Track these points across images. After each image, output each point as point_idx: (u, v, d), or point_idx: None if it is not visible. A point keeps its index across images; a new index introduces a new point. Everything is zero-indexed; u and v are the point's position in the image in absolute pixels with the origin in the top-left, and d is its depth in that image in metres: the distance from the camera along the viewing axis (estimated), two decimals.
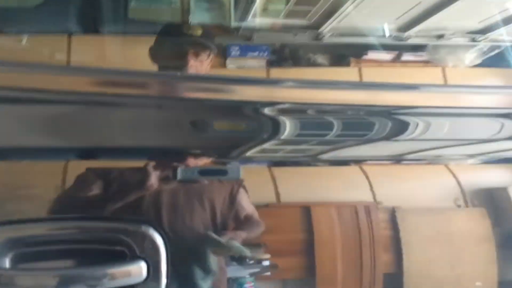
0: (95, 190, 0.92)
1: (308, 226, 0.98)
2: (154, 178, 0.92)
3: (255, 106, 0.96)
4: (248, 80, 1.01)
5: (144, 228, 0.87)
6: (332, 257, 0.99)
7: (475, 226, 1.05)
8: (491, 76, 1.24)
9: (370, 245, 1.00)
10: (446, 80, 1.23)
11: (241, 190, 0.98)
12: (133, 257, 0.85)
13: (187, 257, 0.93)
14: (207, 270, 0.94)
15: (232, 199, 0.98)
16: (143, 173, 0.93)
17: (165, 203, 0.94)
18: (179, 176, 0.92)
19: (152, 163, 0.93)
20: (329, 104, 0.98)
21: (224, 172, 0.96)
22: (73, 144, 0.94)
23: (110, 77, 0.94)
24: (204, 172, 0.94)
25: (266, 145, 0.97)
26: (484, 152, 1.06)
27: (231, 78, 1.03)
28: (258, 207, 0.96)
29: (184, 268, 0.93)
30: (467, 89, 1.08)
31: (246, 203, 0.98)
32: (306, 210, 0.99)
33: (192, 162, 0.95)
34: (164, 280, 0.86)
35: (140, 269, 0.85)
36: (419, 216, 1.04)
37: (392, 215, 1.02)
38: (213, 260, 0.94)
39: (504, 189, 1.06)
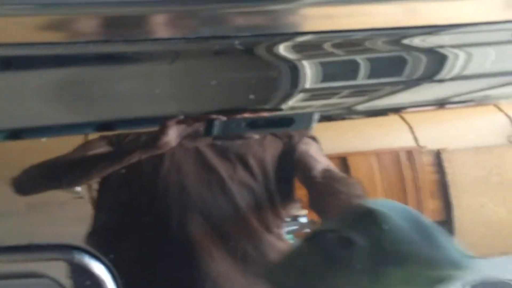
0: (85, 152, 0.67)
1: None
2: (173, 133, 0.65)
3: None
4: None
5: (77, 257, 0.56)
6: None
7: None
8: None
9: (416, 192, 0.92)
10: None
11: (306, 140, 0.73)
12: None
13: None
14: None
15: (291, 149, 0.71)
16: (159, 128, 0.66)
17: (186, 174, 0.67)
18: (215, 130, 0.64)
19: (176, 118, 0.67)
20: (354, 31, 0.77)
21: (288, 122, 0.66)
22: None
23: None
24: (255, 123, 0.65)
25: (291, 102, 0.79)
26: None
27: None
28: None
29: None
30: None
31: (318, 154, 0.72)
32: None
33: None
34: None
35: None
36: (467, 156, 0.94)
37: (438, 157, 0.93)
38: None
39: None
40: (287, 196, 0.72)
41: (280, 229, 0.72)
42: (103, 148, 0.67)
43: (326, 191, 0.74)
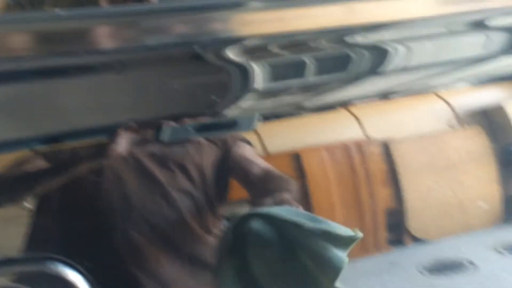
0: (31, 166, 0.65)
1: (300, 173, 0.93)
2: (124, 141, 0.66)
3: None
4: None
5: (49, 266, 0.54)
6: (329, 200, 0.94)
7: (472, 145, 1.01)
8: None
9: (367, 182, 0.95)
10: None
11: (240, 143, 0.76)
12: None
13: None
14: None
15: (227, 153, 0.74)
16: (110, 137, 0.66)
17: (129, 181, 0.68)
18: (164, 136, 0.66)
19: (124, 127, 0.69)
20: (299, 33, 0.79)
21: (232, 124, 0.70)
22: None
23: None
24: (202, 127, 0.68)
25: (242, 103, 0.81)
26: (474, 73, 0.99)
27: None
28: None
29: None
30: None
31: (253, 156, 0.76)
32: (295, 157, 0.94)
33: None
34: None
35: None
36: (413, 144, 0.99)
37: (385, 147, 0.97)
38: None
39: (499, 106, 1.01)
40: (224, 198, 0.76)
41: (218, 229, 0.75)
42: (41, 164, 0.67)
43: (264, 191, 0.78)
